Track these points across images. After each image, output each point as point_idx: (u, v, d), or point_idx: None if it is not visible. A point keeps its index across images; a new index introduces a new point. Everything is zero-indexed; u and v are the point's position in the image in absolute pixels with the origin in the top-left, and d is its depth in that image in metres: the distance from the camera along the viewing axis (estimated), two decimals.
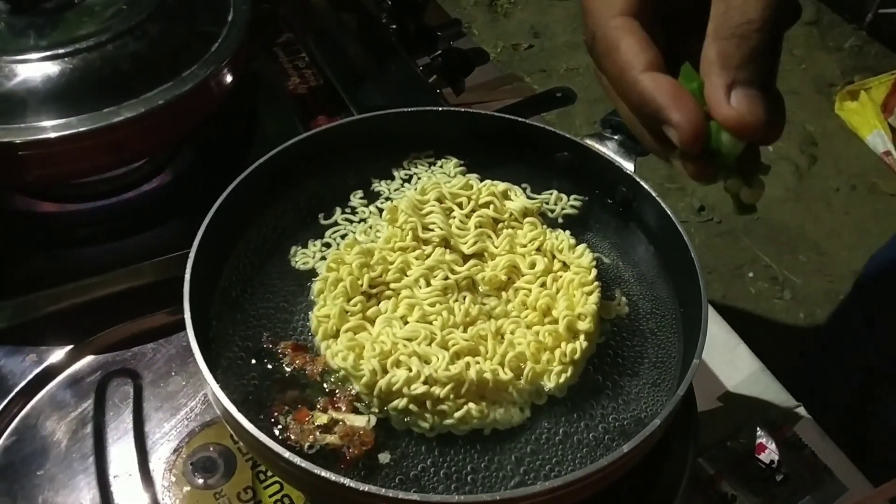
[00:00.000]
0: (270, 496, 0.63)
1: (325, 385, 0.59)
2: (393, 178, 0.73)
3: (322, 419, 0.56)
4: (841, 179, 2.45)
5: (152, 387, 0.69)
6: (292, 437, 0.56)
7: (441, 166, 0.74)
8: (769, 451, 0.78)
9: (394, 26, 1.04)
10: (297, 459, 0.50)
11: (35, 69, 0.67)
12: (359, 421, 0.57)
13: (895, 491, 0.44)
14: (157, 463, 0.65)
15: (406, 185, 0.73)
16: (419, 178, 0.73)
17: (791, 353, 1.98)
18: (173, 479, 0.64)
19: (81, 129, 0.66)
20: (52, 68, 0.68)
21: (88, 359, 0.70)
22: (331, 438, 0.55)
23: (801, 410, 0.84)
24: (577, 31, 2.85)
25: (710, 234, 2.28)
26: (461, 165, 0.74)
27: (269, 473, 0.64)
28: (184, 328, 0.55)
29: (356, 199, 0.72)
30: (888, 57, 2.79)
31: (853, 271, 2.18)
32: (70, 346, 0.70)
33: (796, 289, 2.17)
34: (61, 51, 0.68)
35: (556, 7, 2.96)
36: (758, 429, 0.79)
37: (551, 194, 0.72)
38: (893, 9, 2.76)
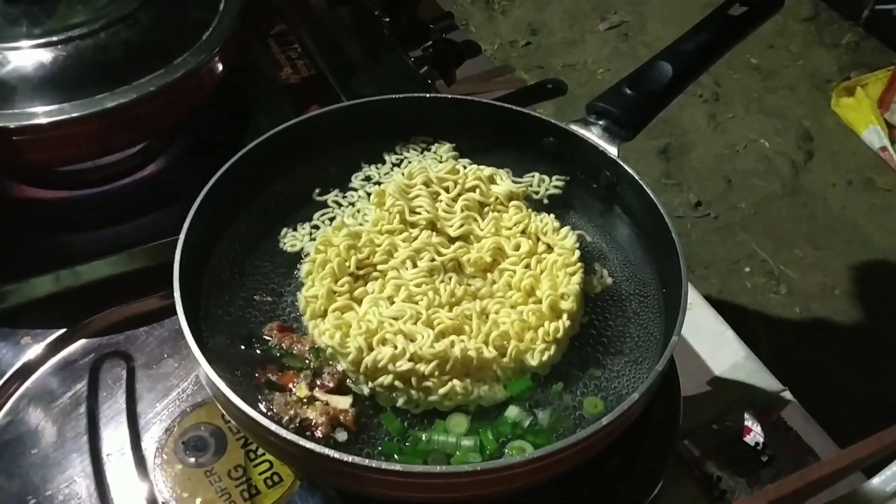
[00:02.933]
0: (260, 474, 0.64)
1: (312, 364, 0.60)
2: (384, 163, 0.74)
3: (304, 391, 0.57)
4: (837, 175, 2.45)
5: (145, 369, 0.70)
6: (281, 414, 0.57)
7: (435, 151, 0.75)
8: (754, 434, 0.79)
9: (387, 19, 1.05)
10: (284, 432, 0.51)
11: (29, 56, 0.69)
12: (342, 403, 0.58)
13: (860, 453, 0.45)
14: (150, 442, 0.66)
15: (396, 168, 0.74)
16: (409, 163, 0.74)
17: (787, 347, 1.99)
18: (165, 457, 0.65)
19: (74, 115, 0.67)
20: (45, 55, 0.69)
21: (83, 341, 0.71)
22: (315, 415, 0.56)
23: (787, 394, 0.84)
24: (574, 29, 2.86)
25: (706, 230, 2.29)
26: (454, 150, 0.75)
27: (260, 452, 0.65)
28: (176, 312, 0.57)
29: (357, 180, 0.73)
30: (885, 53, 2.80)
31: (849, 266, 2.19)
32: (65, 329, 0.71)
33: (792, 283, 2.17)
34: (54, 38, 0.69)
35: (553, 4, 2.96)
36: (744, 412, 0.80)
37: (533, 177, 0.73)
38: (890, 5, 2.76)
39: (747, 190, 2.38)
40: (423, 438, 0.56)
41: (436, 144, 0.76)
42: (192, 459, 0.65)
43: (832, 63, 2.79)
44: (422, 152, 0.75)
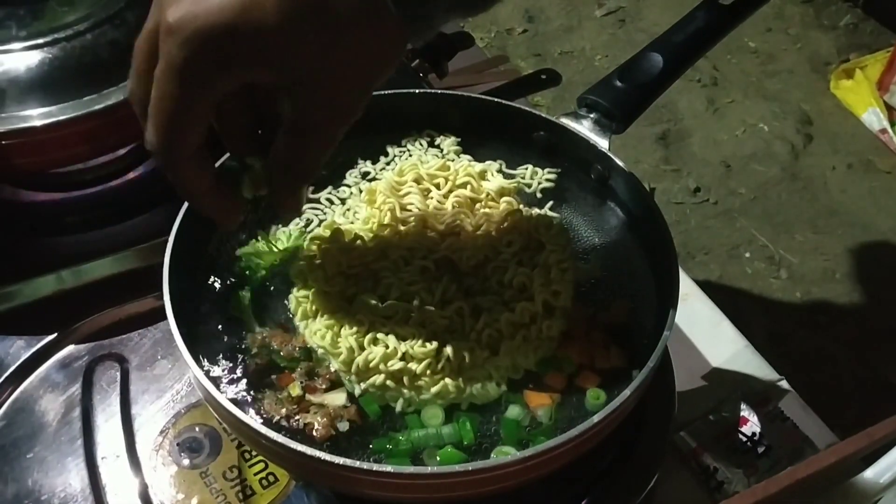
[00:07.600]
0: (255, 474, 0.64)
1: (304, 364, 0.59)
2: (385, 154, 0.74)
3: (297, 391, 0.57)
4: (837, 158, 2.44)
5: (139, 370, 0.70)
6: (274, 415, 0.57)
7: (438, 144, 0.75)
8: (751, 424, 0.78)
9: None
10: (274, 435, 0.51)
11: (16, 59, 0.68)
12: (338, 399, 0.58)
13: (850, 449, 0.45)
14: (144, 444, 0.66)
15: (395, 161, 0.73)
16: (409, 157, 0.73)
17: (787, 332, 1.99)
18: (160, 459, 0.65)
19: (63, 118, 0.67)
20: (33, 58, 0.69)
21: (76, 344, 0.71)
22: (313, 416, 0.56)
23: (784, 384, 0.84)
24: (571, 15, 2.85)
25: (706, 216, 2.28)
26: (457, 144, 0.74)
27: (255, 452, 0.65)
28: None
29: (351, 177, 0.73)
30: (883, 34, 2.78)
31: (849, 250, 2.19)
32: (58, 333, 0.71)
33: (793, 268, 2.17)
34: (41, 40, 0.69)
35: None
36: (740, 403, 0.80)
37: (526, 169, 0.73)
38: None
39: (747, 175, 2.38)
40: (403, 438, 0.56)
41: (440, 137, 0.75)
42: (187, 461, 0.65)
43: (831, 45, 2.77)
44: (427, 146, 0.75)
